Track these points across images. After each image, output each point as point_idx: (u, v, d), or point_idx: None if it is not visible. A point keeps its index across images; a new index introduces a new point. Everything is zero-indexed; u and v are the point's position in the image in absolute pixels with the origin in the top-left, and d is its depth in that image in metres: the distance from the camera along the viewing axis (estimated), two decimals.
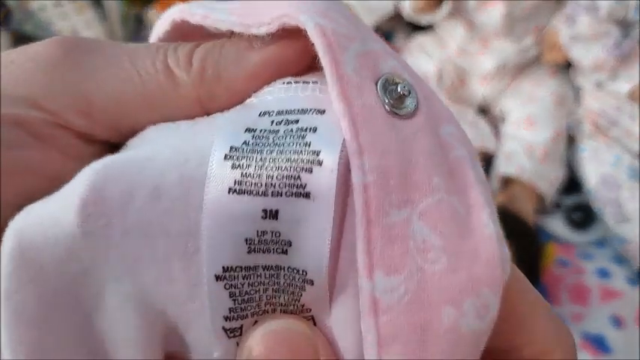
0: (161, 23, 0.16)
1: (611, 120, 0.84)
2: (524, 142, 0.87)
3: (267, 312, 0.14)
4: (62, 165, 0.13)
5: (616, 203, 0.80)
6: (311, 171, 0.12)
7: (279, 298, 0.14)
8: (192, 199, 0.12)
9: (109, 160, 0.13)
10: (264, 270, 0.13)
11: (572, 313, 0.74)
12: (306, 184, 0.12)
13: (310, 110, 0.13)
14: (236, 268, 0.13)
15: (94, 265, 0.12)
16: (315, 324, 0.14)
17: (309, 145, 0.13)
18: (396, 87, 0.14)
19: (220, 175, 0.13)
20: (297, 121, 0.13)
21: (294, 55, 0.14)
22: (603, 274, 0.78)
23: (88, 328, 0.13)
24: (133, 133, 0.14)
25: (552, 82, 0.90)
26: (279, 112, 0.14)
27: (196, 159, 0.13)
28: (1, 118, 0.13)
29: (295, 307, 0.14)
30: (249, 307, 0.13)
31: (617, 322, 0.72)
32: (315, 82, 0.14)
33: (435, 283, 0.12)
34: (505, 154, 0.88)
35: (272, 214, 0.12)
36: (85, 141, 0.14)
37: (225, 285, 0.13)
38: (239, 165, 0.13)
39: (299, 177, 0.12)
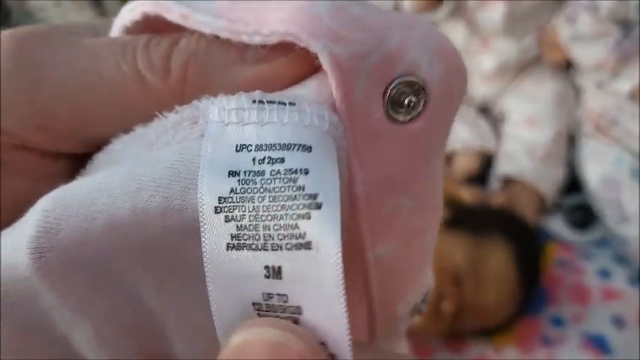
0: (129, 11, 0.14)
1: (612, 120, 0.84)
2: (525, 142, 0.87)
3: None
4: (29, 189, 0.12)
5: (616, 203, 0.80)
6: (309, 217, 0.11)
7: None
8: (149, 229, 0.11)
9: (59, 194, 0.11)
10: None
11: (572, 314, 0.74)
12: (305, 233, 0.10)
13: (295, 146, 0.12)
14: None
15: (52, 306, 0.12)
16: None
17: (304, 189, 0.11)
18: (405, 92, 0.13)
19: (215, 229, 0.11)
20: (282, 160, 0.12)
21: (290, 75, 0.13)
22: (604, 274, 0.78)
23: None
24: (103, 142, 0.13)
25: (553, 82, 0.90)
26: (259, 147, 0.12)
27: (151, 188, 0.11)
28: None
29: None
30: None
31: (618, 322, 0.72)
32: (292, 104, 0.12)
33: None
34: (505, 154, 0.88)
35: (275, 272, 0.11)
36: (51, 158, 0.13)
37: None
38: (232, 217, 0.11)
39: (297, 225, 0.11)
